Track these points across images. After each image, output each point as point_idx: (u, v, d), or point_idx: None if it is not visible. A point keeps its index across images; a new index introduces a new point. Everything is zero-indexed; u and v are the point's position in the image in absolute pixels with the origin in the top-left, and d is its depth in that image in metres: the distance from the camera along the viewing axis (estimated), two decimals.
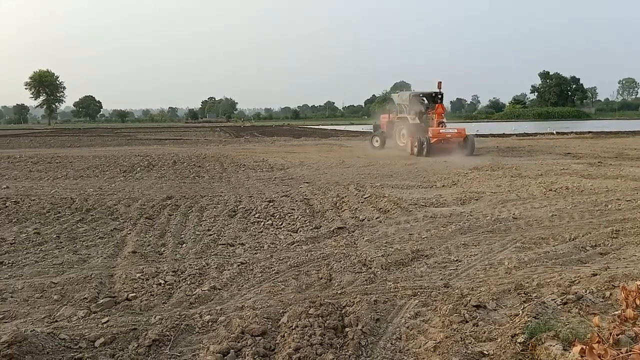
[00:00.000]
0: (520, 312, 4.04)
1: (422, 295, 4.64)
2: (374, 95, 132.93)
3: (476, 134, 24.81)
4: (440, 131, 19.62)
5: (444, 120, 20.77)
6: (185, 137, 39.02)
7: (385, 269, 5.46)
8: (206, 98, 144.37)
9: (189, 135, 41.19)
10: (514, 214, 8.10)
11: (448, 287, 4.86)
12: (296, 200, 9.63)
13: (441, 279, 5.13)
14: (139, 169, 15.33)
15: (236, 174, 14.13)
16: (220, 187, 11.52)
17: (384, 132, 23.09)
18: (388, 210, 8.52)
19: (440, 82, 20.49)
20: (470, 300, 4.38)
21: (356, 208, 8.83)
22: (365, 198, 9.71)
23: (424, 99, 21.70)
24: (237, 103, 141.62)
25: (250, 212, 8.56)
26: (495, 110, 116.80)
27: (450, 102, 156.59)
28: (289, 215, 8.33)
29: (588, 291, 4.47)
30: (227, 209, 8.84)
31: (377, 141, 23.08)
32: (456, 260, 5.77)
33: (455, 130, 19.91)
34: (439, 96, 20.64)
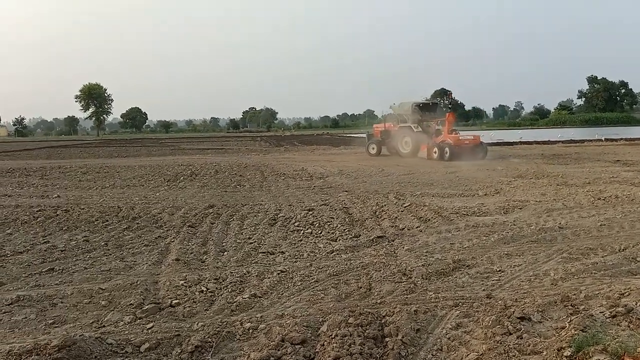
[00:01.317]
0: (567, 324, 3.92)
1: (464, 305, 4.56)
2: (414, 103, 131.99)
3: (490, 141, 27.33)
4: (460, 137, 21.74)
5: (454, 128, 22.95)
6: (227, 146, 39.69)
7: (426, 278, 5.39)
8: (247, 108, 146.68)
9: (230, 145, 41.88)
10: (560, 223, 7.87)
11: (491, 298, 4.76)
12: (335, 209, 9.63)
13: (483, 290, 5.03)
14: (182, 178, 15.66)
15: (276, 182, 14.23)
16: (260, 195, 11.65)
17: (379, 141, 25.12)
18: (428, 219, 8.42)
19: (451, 92, 24.69)
20: (514, 311, 4.27)
21: (396, 217, 8.76)
22: (405, 207, 9.62)
23: (425, 108, 24.01)
24: (277, 113, 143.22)
25: (290, 221, 8.62)
26: (540, 117, 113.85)
27: (493, 108, 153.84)
28: (328, 223, 8.34)
29: (638, 304, 4.29)
30: (267, 217, 8.93)
31: (373, 149, 25.04)
32: (499, 271, 5.64)
33: (472, 137, 22.36)
34: (449, 105, 24.68)
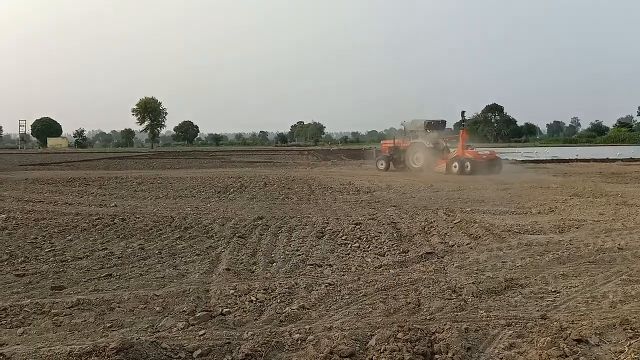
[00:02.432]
0: (627, 348, 3.76)
1: (517, 325, 4.44)
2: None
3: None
4: (479, 152, 23.41)
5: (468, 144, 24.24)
6: (275, 159, 40.32)
7: (477, 296, 5.29)
8: (295, 122, 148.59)
9: (278, 158, 42.51)
10: (619, 244, 7.56)
11: (546, 318, 4.61)
12: (383, 224, 9.60)
13: (538, 310, 4.88)
14: (232, 190, 16.02)
15: (323, 196, 14.34)
16: (308, 208, 11.76)
17: (387, 157, 26.30)
18: (479, 237, 8.26)
19: (464, 112, 26.81)
20: (570, 333, 4.13)
21: (445, 233, 8.65)
22: (455, 223, 9.48)
23: (435, 126, 25.21)
24: (324, 127, 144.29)
25: (338, 234, 8.65)
26: (597, 134, 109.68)
27: (547, 125, 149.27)
28: (376, 238, 8.32)
29: None
30: (314, 230, 9.00)
31: (381, 164, 26.21)
32: (554, 291, 5.47)
33: (488, 152, 24.41)
34: (463, 123, 26.34)
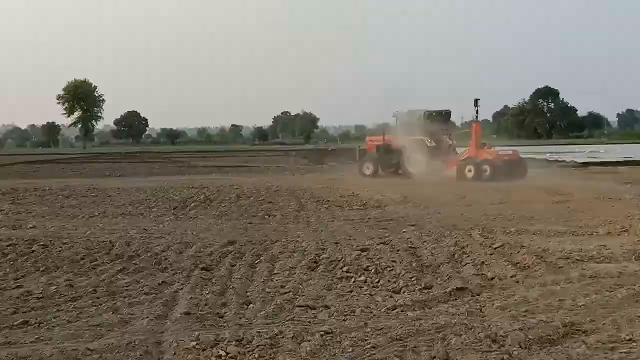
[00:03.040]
0: None
1: None
2: (506, 105, 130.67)
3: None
4: (499, 152, 24.40)
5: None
6: (252, 164, 40.28)
7: (525, 347, 5.27)
8: (279, 113, 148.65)
9: (256, 162, 42.45)
10: None
11: None
12: (398, 250, 9.57)
13: None
14: (193, 204, 15.96)
15: (317, 212, 14.29)
16: (296, 229, 11.74)
17: (375, 158, 27.28)
18: (528, 266, 8.26)
19: (477, 100, 24.75)
20: None
21: (482, 262, 8.64)
22: (496, 248, 9.47)
23: (439, 118, 26.40)
24: (318, 119, 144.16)
25: (337, 264, 8.63)
26: None
27: (618, 114, 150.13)
28: (389, 269, 8.30)
29: None
30: (306, 259, 8.96)
31: (368, 168, 27.02)
32: (629, 340, 5.45)
33: (510, 152, 25.32)
34: (476, 114, 25.31)
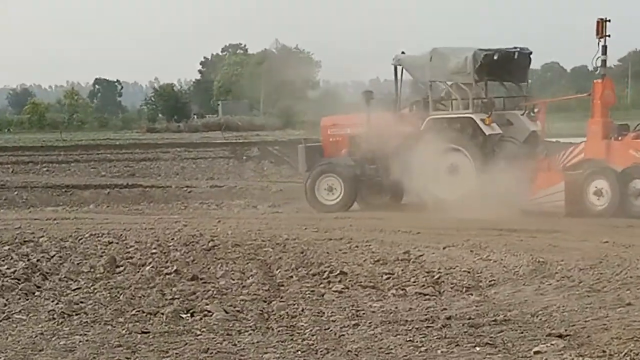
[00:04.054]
0: None
1: None
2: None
3: None
4: None
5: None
6: (152, 171, 31.16)
7: None
8: (221, 46, 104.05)
9: (159, 168, 32.18)
10: None
11: None
12: None
13: None
14: None
15: (311, 301, 8.25)
16: (261, 349, 6.39)
17: (349, 167, 16.48)
18: None
19: (603, 21, 14.81)
20: None
21: None
22: None
23: (504, 67, 16.00)
24: (319, 62, 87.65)
25: None
26: None
27: None
28: None
29: None
30: None
31: (330, 190, 16.43)
32: None
33: None
34: (604, 59, 14.97)
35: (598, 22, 14.88)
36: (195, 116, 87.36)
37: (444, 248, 12.14)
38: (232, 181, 25.15)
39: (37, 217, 17.94)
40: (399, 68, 16.63)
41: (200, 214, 17.68)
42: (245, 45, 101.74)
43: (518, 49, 16.13)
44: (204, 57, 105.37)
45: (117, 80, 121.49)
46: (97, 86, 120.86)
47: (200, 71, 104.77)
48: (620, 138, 14.64)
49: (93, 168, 34.28)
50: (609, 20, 14.86)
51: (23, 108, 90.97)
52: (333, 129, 17.59)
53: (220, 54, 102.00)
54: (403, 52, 16.71)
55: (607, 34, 14.88)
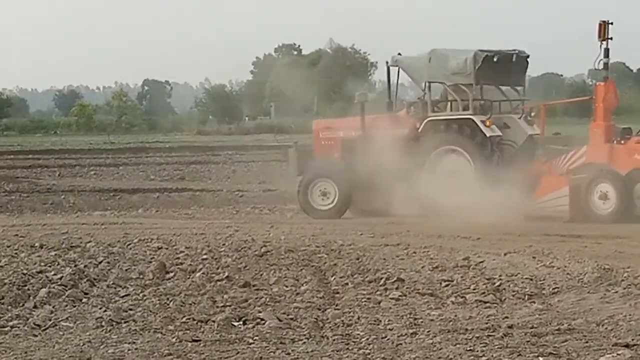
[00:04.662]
0: None
1: None
2: None
3: None
4: None
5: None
6: (202, 175, 31.73)
7: None
8: (269, 51, 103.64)
9: (209, 172, 33.10)
10: None
11: None
12: None
13: None
14: (42, 292, 9.04)
15: (367, 309, 8.39)
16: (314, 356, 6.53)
17: (342, 172, 16.71)
18: None
19: (606, 23, 15.12)
20: None
21: None
22: None
23: (504, 70, 16.52)
24: (375, 62, 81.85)
25: None
26: None
27: None
28: None
29: None
30: None
31: (324, 194, 16.82)
32: None
33: None
34: (606, 62, 15.38)
35: (600, 24, 15.19)
36: (247, 118, 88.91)
37: (505, 254, 12.26)
38: (285, 185, 25.24)
39: (84, 221, 18.37)
40: (395, 67, 17.27)
41: (252, 219, 17.97)
42: (299, 46, 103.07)
43: (517, 52, 16.68)
44: (256, 57, 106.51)
45: (167, 81, 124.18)
46: (145, 87, 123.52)
47: (252, 72, 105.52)
48: (623, 142, 14.94)
49: (142, 171, 35.07)
50: (612, 23, 15.16)
51: (70, 110, 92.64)
52: (325, 133, 17.98)
53: (273, 54, 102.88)
54: (399, 54, 17.19)
55: (609, 36, 15.19)
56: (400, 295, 9.06)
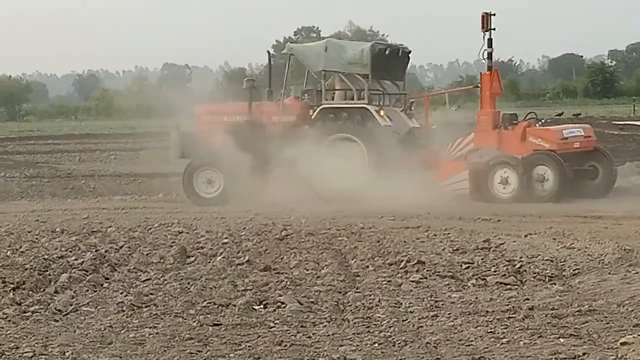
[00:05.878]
0: None
1: None
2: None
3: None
4: (564, 133, 15.84)
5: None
6: None
7: None
8: (294, 29, 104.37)
9: None
10: None
11: None
12: None
13: None
14: (63, 278, 9.04)
15: (388, 291, 8.35)
16: (336, 341, 6.42)
17: (226, 157, 16.32)
18: None
19: (488, 15, 15.85)
20: None
21: None
22: None
23: (389, 59, 16.94)
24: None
25: None
26: None
27: None
28: None
29: None
30: None
31: (209, 182, 16.79)
32: None
33: (582, 133, 16.31)
34: (489, 51, 16.13)
35: (483, 16, 15.83)
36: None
37: (525, 236, 12.18)
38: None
39: (105, 206, 18.22)
40: (290, 52, 17.92)
41: (272, 202, 17.87)
42: (318, 28, 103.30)
43: (402, 47, 17.42)
44: (276, 41, 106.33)
45: (186, 65, 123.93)
46: (165, 71, 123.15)
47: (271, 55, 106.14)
48: (510, 127, 15.51)
49: (162, 156, 34.47)
50: (494, 14, 15.88)
51: (89, 94, 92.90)
52: (208, 117, 17.62)
53: (293, 37, 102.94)
54: (293, 41, 18.23)
55: (492, 27, 15.87)
56: (420, 278, 9.03)
